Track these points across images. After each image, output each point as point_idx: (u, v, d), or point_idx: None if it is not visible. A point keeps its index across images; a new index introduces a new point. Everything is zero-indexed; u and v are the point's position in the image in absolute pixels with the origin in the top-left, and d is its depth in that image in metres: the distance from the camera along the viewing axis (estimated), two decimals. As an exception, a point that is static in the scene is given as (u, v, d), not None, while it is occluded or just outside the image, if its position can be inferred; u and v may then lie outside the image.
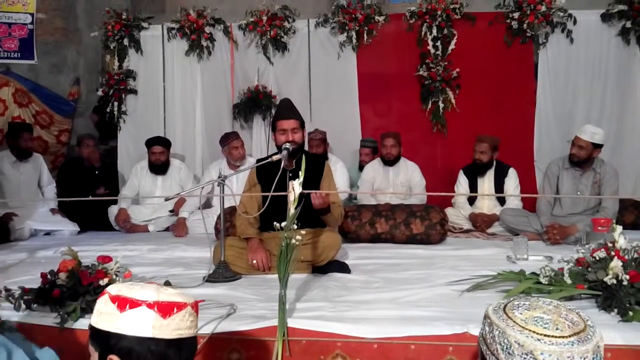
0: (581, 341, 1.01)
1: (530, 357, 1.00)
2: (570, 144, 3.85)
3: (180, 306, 1.10)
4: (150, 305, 1.08)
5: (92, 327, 1.13)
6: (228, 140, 4.65)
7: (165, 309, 1.08)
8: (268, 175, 2.93)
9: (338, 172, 4.67)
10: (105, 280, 2.29)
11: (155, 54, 5.46)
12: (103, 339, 1.09)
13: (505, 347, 1.04)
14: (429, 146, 5.19)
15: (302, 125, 3.01)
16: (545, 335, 1.01)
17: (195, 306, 1.16)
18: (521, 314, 1.07)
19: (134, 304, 1.08)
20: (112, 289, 1.13)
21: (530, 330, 1.03)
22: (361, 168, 4.96)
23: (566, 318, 1.05)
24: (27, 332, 2.09)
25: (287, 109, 3.06)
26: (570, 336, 1.01)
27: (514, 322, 1.05)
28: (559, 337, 1.01)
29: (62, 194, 4.93)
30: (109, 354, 1.08)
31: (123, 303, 1.08)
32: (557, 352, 0.99)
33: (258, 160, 3.16)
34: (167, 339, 1.08)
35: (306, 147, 3.49)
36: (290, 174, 2.88)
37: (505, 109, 5.06)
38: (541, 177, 4.59)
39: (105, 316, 1.09)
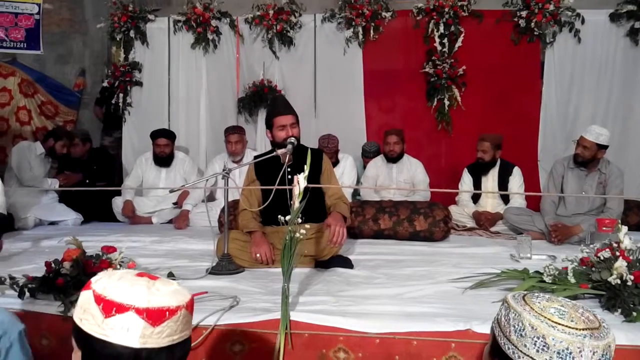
0: (593, 337, 1.02)
1: (541, 341, 1.02)
2: (575, 143, 3.83)
3: (172, 311, 0.98)
4: (139, 311, 0.96)
5: (75, 324, 1.01)
6: (226, 133, 4.65)
7: (156, 316, 0.96)
8: (267, 171, 2.92)
9: (347, 168, 4.67)
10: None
11: (161, 47, 5.47)
12: (86, 341, 0.99)
13: (518, 329, 1.06)
14: (434, 143, 5.18)
15: (298, 120, 3.02)
16: (559, 324, 1.03)
17: (191, 305, 1.04)
18: (539, 302, 1.09)
19: (121, 308, 0.96)
20: (98, 285, 1.00)
21: (545, 317, 1.05)
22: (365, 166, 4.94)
23: (582, 314, 1.07)
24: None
25: (284, 105, 3.06)
26: (583, 329, 1.03)
27: (531, 307, 1.07)
28: (573, 328, 1.03)
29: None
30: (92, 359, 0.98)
31: (108, 307, 0.96)
32: (568, 341, 1.01)
33: (256, 157, 3.15)
34: (158, 347, 0.97)
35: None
36: (289, 169, 2.87)
37: (511, 107, 5.05)
38: (545, 177, 4.58)
39: (89, 316, 0.98)
